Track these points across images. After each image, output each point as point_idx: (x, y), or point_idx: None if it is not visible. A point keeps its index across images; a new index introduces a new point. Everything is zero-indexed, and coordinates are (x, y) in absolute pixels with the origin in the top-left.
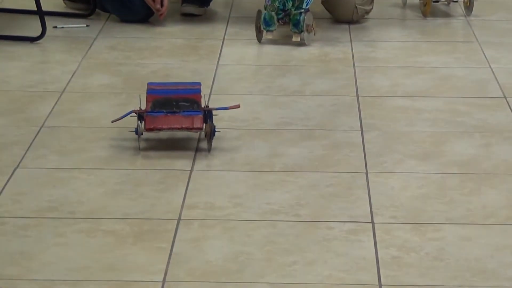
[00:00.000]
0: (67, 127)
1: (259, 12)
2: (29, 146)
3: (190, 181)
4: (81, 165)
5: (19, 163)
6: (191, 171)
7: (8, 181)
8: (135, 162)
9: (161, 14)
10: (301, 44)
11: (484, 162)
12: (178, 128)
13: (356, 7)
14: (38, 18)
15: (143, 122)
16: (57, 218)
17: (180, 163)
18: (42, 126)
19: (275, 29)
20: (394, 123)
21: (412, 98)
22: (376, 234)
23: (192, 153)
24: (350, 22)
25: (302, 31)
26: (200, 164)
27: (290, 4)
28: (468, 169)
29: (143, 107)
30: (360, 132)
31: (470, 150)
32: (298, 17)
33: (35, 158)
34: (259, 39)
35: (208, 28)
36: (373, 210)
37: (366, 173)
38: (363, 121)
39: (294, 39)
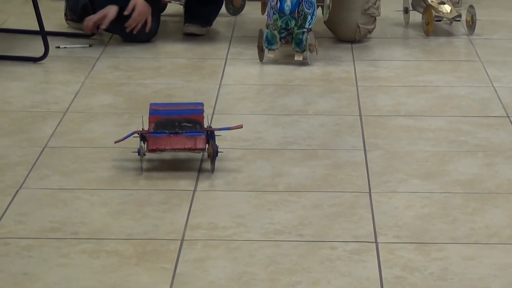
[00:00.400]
0: (70, 148)
1: (261, 31)
2: (32, 166)
3: (193, 201)
4: (84, 185)
5: (22, 183)
6: (194, 191)
7: (11, 201)
8: (138, 182)
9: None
10: (303, 63)
11: (488, 181)
12: (181, 149)
13: (359, 26)
14: (41, 39)
15: (145, 143)
16: (60, 238)
17: (183, 183)
18: (45, 147)
19: (277, 48)
20: (397, 143)
21: (414, 117)
22: (380, 254)
23: (195, 173)
24: (352, 41)
25: (304, 50)
26: (203, 184)
27: (293, 23)
28: (472, 188)
29: (146, 128)
30: (363, 151)
31: (473, 170)
32: (301, 37)
33: (38, 179)
34: (261, 58)
35: (210, 48)
36: (376, 229)
37: (369, 193)
38: (366, 141)
39: (296, 58)
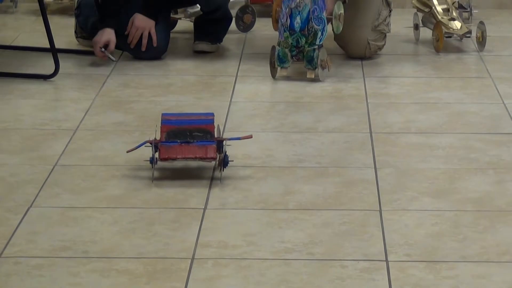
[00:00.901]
0: (81, 165)
1: (273, 48)
2: (43, 184)
3: (203, 220)
4: (95, 203)
5: (33, 202)
6: (204, 209)
7: (21, 220)
8: (149, 200)
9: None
10: (314, 80)
11: (498, 199)
12: (192, 158)
13: (369, 43)
14: (52, 56)
15: (157, 152)
16: (70, 257)
17: (193, 201)
18: (55, 165)
19: (289, 66)
20: (408, 160)
21: (425, 134)
22: (390, 273)
23: (205, 190)
24: (362, 58)
25: (316, 67)
26: (214, 202)
27: (303, 40)
28: (482, 206)
29: (158, 138)
30: (373, 169)
31: (484, 187)
32: (312, 54)
33: (48, 197)
34: (273, 75)
35: (221, 65)
36: (387, 248)
37: (380, 211)
38: (376, 158)
39: (308, 75)
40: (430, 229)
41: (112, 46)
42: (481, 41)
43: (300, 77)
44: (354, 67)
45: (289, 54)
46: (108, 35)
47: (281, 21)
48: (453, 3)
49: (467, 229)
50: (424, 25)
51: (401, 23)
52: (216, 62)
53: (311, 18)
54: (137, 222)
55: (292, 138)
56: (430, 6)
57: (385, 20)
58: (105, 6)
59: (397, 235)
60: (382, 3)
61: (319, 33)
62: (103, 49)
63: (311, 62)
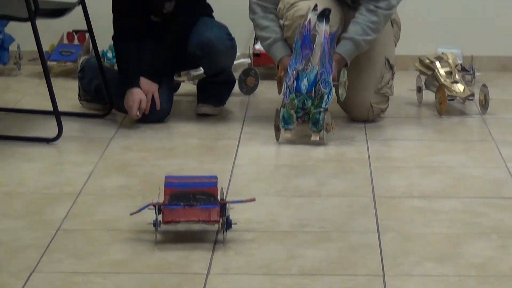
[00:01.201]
0: (83, 230)
1: (278, 110)
2: (45, 249)
3: (206, 285)
4: (97, 269)
5: (35, 267)
6: (207, 274)
7: (24, 286)
8: (152, 265)
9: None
10: (317, 143)
11: (502, 263)
12: (195, 221)
13: (372, 106)
14: (55, 119)
15: (161, 214)
16: None
17: (196, 265)
18: (58, 229)
19: (294, 128)
20: (411, 224)
21: (428, 198)
22: None
23: (208, 254)
24: (365, 120)
25: (321, 130)
26: (217, 267)
27: (309, 102)
28: (486, 271)
29: (161, 201)
30: (376, 233)
31: (488, 252)
32: (318, 116)
33: (51, 262)
34: (277, 137)
35: (224, 128)
36: None
37: (383, 276)
38: (379, 223)
39: (313, 138)
40: None
41: (144, 104)
42: (484, 104)
43: (303, 140)
44: (357, 130)
45: (294, 115)
46: (138, 95)
47: (286, 83)
48: (456, 66)
49: None
50: (427, 87)
51: (404, 85)
52: (219, 125)
53: (318, 80)
54: None
55: (295, 202)
56: (433, 69)
57: (388, 83)
58: (123, 67)
59: None
60: (385, 66)
61: (326, 96)
62: (138, 113)
63: (316, 124)
